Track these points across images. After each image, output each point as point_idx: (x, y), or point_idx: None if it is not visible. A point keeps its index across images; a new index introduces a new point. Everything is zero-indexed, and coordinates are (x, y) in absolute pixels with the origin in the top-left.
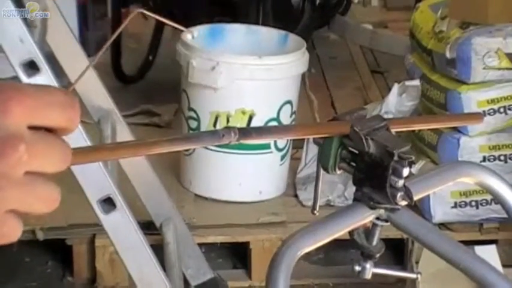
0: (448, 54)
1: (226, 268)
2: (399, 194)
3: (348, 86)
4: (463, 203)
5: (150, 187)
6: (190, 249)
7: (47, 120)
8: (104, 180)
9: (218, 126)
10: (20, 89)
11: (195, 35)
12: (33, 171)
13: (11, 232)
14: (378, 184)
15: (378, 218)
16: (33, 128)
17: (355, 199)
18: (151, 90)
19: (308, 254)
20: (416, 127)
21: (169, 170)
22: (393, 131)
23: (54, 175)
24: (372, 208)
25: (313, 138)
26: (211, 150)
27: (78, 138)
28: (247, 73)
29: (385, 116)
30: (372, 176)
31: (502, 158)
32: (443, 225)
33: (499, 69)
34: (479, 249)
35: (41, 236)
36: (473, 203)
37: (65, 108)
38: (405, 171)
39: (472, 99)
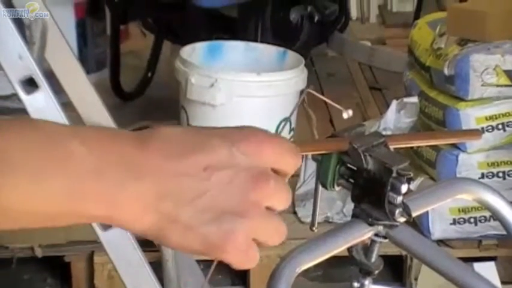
0: (446, 71)
1: (225, 285)
2: (398, 211)
3: (346, 103)
4: (461, 219)
5: None
6: (189, 266)
7: (283, 165)
8: None
9: None
10: (267, 134)
11: None
12: (270, 207)
13: (253, 258)
14: (377, 201)
15: (376, 235)
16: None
17: (353, 216)
18: (150, 107)
19: (307, 270)
20: (414, 144)
21: None
22: (392, 147)
23: None
24: (371, 225)
25: (312, 155)
26: None
27: None
28: (246, 90)
29: (384, 133)
30: (371, 192)
31: (500, 174)
32: (442, 242)
33: (497, 86)
34: (478, 266)
35: (39, 253)
36: (472, 220)
37: (296, 156)
38: (404, 188)
39: (470, 115)
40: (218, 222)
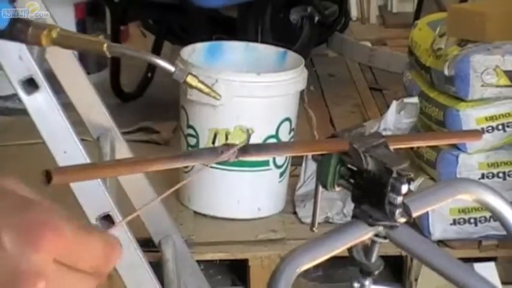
0: (446, 72)
1: (225, 285)
2: (398, 211)
3: (346, 103)
4: (461, 220)
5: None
6: (189, 266)
7: (76, 264)
8: (102, 198)
9: (217, 143)
10: (57, 228)
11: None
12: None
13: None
14: (377, 201)
15: (376, 235)
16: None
17: (354, 216)
18: (150, 108)
19: (307, 271)
20: (414, 144)
21: (168, 187)
22: (392, 148)
23: (52, 191)
24: (371, 225)
25: (312, 155)
26: (210, 167)
27: (77, 155)
28: (246, 90)
29: (384, 133)
30: (371, 193)
31: (500, 175)
32: (442, 242)
33: (497, 86)
34: (478, 267)
35: None
36: (472, 220)
37: (99, 256)
38: (404, 188)
39: (470, 116)
40: None
